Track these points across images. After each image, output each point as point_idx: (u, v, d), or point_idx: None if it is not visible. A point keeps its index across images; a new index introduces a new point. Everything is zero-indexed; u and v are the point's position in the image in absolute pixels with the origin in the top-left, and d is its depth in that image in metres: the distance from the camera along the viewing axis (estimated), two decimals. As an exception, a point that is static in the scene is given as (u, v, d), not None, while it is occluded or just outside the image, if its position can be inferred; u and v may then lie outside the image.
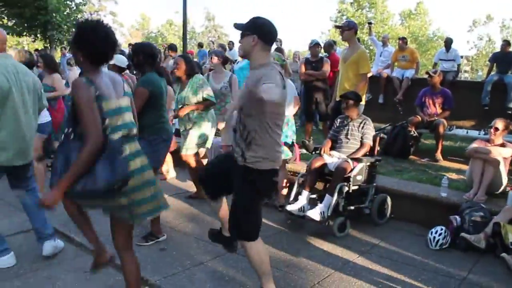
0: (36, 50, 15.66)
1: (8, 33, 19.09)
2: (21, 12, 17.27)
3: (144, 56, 4.03)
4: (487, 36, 41.42)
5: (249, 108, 2.83)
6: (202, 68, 8.52)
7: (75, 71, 8.87)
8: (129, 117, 2.63)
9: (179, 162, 6.26)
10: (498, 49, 10.66)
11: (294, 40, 71.00)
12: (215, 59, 5.84)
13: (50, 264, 3.72)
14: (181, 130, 5.33)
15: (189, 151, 5.18)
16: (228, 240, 3.43)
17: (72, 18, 19.16)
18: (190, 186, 6.04)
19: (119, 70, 5.28)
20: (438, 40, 36.66)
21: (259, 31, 2.83)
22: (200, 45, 17.58)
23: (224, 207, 3.37)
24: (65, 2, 18.62)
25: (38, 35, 18.25)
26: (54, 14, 17.58)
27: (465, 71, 13.87)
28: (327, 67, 7.41)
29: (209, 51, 13.72)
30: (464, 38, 44.45)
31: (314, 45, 7.58)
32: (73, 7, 19.66)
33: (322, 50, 8.48)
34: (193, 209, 5.21)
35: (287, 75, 5.30)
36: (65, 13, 18.35)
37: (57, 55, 17.19)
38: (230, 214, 3.04)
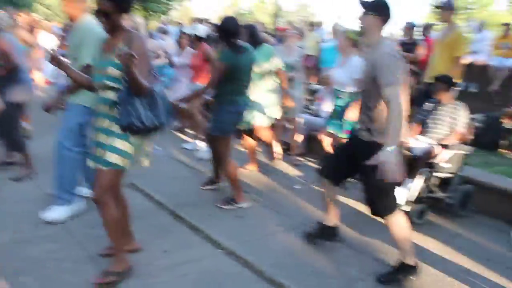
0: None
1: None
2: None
3: (225, 32, 4.17)
4: None
5: (372, 93, 3.00)
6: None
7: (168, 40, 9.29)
8: None
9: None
10: None
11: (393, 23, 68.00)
12: (293, 36, 6.05)
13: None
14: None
15: (260, 123, 5.18)
16: (330, 231, 3.67)
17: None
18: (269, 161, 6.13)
19: (199, 39, 5.55)
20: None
21: (382, 13, 3.02)
22: (290, 24, 17.51)
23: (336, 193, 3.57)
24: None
25: (138, 8, 18.99)
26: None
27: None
28: (420, 50, 7.13)
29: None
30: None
31: (409, 27, 7.32)
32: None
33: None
34: (271, 181, 5.30)
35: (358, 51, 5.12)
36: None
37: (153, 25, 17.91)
38: (368, 194, 3.18)
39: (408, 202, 4.23)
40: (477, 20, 13.25)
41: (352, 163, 3.23)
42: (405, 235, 3.15)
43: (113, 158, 2.78)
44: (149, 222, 3.92)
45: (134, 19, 6.61)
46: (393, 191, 3.14)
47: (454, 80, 4.85)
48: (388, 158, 2.75)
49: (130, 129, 2.73)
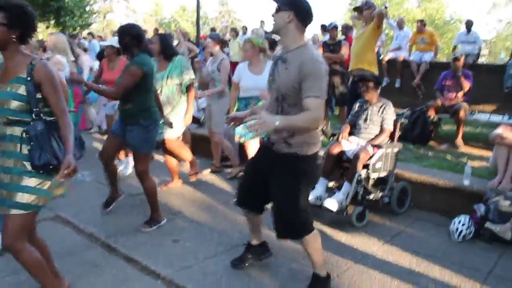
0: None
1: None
2: None
3: (131, 38, 3.93)
4: (508, 19, 40.33)
5: (294, 98, 2.69)
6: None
7: (86, 56, 8.82)
8: None
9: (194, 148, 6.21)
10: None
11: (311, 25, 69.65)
12: (212, 44, 5.73)
13: (59, 257, 3.61)
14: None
15: (171, 135, 5.01)
16: (260, 250, 3.45)
17: (84, 4, 19.07)
18: (203, 175, 5.92)
19: (117, 52, 5.22)
20: (456, 23, 35.83)
21: (296, 8, 2.67)
22: (213, 30, 17.37)
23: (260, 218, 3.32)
24: (77, -12, 18.49)
25: (51, 22, 18.17)
26: (66, 0, 17.46)
27: (483, 55, 13.47)
28: (345, 50, 7.20)
29: (222, 35, 13.55)
30: (482, 21, 43.36)
31: (333, 28, 7.40)
32: (85, -7, 19.56)
33: (340, 34, 8.27)
34: (205, 198, 5.07)
35: (267, 57, 5.12)
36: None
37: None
38: (278, 215, 2.92)
39: (345, 207, 4.16)
40: (394, 17, 13.78)
41: (267, 188, 2.97)
42: (319, 251, 3.00)
43: (25, 198, 2.45)
44: (80, 258, 3.58)
45: (59, 37, 6.03)
46: (308, 209, 2.94)
47: (380, 79, 4.88)
48: (269, 121, 2.44)
49: (45, 169, 2.44)
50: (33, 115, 2.44)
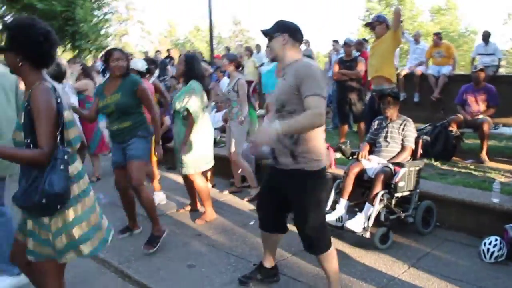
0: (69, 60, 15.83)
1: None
2: (50, 24, 17.36)
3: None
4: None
5: (293, 104, 2.75)
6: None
7: (100, 78, 8.82)
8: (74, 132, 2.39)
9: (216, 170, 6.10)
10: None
11: (323, 41, 70.13)
12: (226, 63, 5.62)
13: (72, 285, 3.49)
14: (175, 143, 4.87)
15: (189, 171, 4.73)
16: (269, 272, 3.41)
17: (99, 28, 19.28)
18: (220, 196, 5.81)
19: (139, 74, 5.11)
20: (471, 35, 35.51)
21: (288, 30, 2.88)
22: (228, 49, 17.44)
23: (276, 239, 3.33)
24: (92, 13, 18.68)
25: (67, 46, 18.38)
26: (81, 25, 17.66)
27: (502, 66, 13.22)
28: (361, 67, 7.05)
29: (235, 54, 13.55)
30: (498, 32, 42.84)
31: (347, 44, 7.27)
32: (100, 17, 19.79)
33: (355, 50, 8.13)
34: (223, 220, 4.93)
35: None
36: (91, 23, 18.43)
37: (87, 63, 17.31)
38: (299, 232, 2.97)
39: (368, 228, 3.98)
40: (410, 31, 13.63)
41: (286, 201, 3.02)
42: (336, 269, 3.04)
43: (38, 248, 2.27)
44: (93, 286, 3.49)
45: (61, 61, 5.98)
46: (327, 226, 3.04)
47: (399, 94, 4.73)
48: (268, 130, 2.52)
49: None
50: (24, 147, 2.17)
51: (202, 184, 4.83)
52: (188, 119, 4.58)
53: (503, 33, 51.13)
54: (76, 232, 2.24)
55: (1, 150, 2.09)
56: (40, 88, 2.17)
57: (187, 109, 4.53)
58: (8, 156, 2.12)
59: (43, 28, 2.22)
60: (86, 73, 6.85)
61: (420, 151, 4.51)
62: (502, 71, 13.39)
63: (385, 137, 4.53)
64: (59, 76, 5.38)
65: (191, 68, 4.63)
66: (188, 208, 5.28)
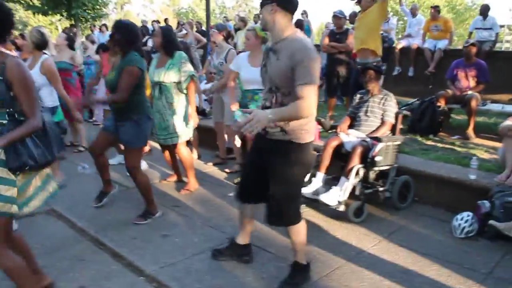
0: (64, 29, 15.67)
1: (34, 12, 19.32)
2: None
3: (127, 35, 3.93)
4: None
5: (288, 86, 2.66)
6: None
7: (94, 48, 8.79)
8: None
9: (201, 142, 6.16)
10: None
11: (323, 12, 68.90)
12: (216, 34, 5.55)
13: (47, 252, 3.55)
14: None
15: (179, 140, 4.75)
16: (242, 250, 3.38)
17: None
18: (204, 167, 5.84)
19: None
20: (477, 8, 34.86)
21: (282, 0, 2.65)
22: (227, 20, 17.22)
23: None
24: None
25: (64, 14, 18.15)
26: (77, -8, 17.43)
27: (507, 41, 12.96)
28: (351, 39, 6.94)
29: (234, 25, 13.35)
30: (505, 6, 41.99)
31: (339, 16, 7.13)
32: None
33: (348, 22, 8.00)
34: (204, 191, 4.97)
35: None
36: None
37: (85, 33, 17.13)
38: (270, 202, 2.90)
39: (342, 201, 4.00)
40: (408, 4, 13.37)
41: (266, 169, 2.94)
42: (303, 242, 3.02)
43: None
44: (68, 253, 3.53)
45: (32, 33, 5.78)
46: (300, 199, 3.00)
47: (382, 68, 4.68)
48: (261, 118, 2.45)
49: (22, 169, 2.39)
50: (6, 116, 2.38)
51: (186, 153, 4.87)
52: (189, 87, 4.64)
53: (511, 7, 50.11)
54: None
55: (4, 142, 2.30)
56: (16, 61, 2.36)
57: (192, 76, 4.59)
58: (12, 142, 2.33)
59: None
60: (69, 45, 6.84)
61: (399, 126, 4.49)
62: (508, 46, 13.19)
63: (366, 111, 4.51)
64: (42, 45, 5.34)
65: (170, 40, 4.59)
66: (172, 178, 5.31)
